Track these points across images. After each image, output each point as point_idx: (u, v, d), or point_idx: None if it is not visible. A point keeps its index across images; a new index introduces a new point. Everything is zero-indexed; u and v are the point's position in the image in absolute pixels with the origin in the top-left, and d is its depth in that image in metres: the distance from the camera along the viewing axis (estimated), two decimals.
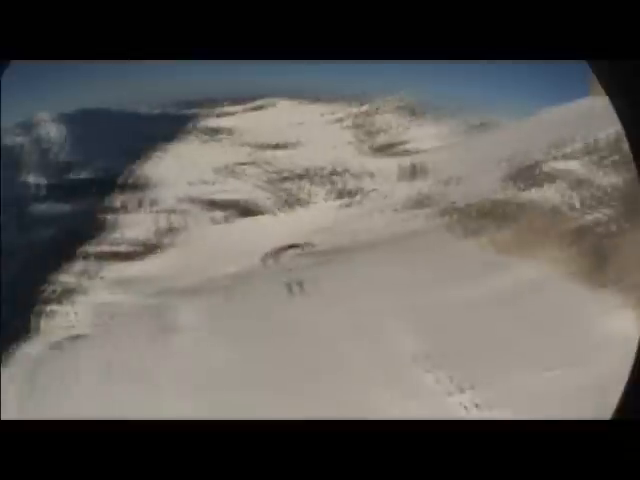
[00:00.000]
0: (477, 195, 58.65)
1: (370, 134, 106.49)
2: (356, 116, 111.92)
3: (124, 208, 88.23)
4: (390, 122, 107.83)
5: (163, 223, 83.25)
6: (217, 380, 34.71)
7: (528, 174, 57.61)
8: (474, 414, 29.22)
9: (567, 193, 50.65)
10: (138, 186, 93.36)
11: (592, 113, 53.83)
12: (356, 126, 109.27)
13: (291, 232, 68.92)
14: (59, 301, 64.51)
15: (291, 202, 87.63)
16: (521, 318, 36.30)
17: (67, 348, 47.96)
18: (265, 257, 61.61)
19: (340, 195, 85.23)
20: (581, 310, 36.42)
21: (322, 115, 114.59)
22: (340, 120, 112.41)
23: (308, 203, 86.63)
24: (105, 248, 77.39)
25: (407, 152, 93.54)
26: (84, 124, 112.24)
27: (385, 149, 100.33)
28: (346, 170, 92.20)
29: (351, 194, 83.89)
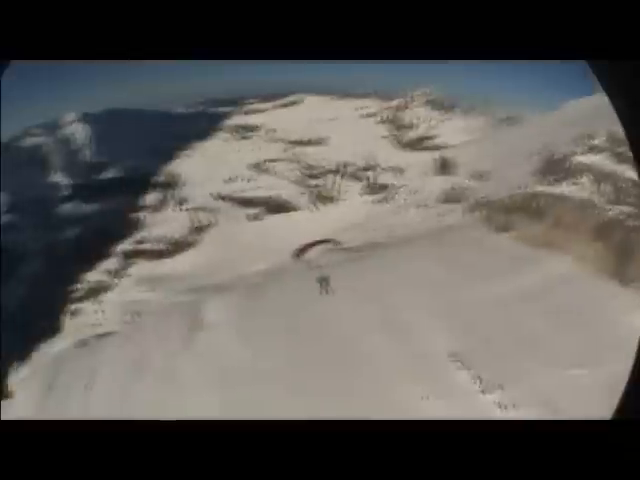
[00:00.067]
0: (507, 189, 57.82)
1: (401, 128, 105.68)
2: (387, 110, 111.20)
3: (154, 206, 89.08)
4: (420, 116, 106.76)
5: (193, 221, 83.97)
6: (245, 378, 34.86)
7: (558, 168, 56.50)
8: (501, 414, 28.93)
9: (594, 186, 49.76)
10: (168, 184, 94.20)
11: None
12: (388, 121, 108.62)
13: (323, 228, 67.96)
14: (86, 299, 65.79)
15: (323, 198, 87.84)
16: (550, 314, 35.73)
17: (93, 346, 48.52)
18: (296, 253, 61.57)
19: (372, 190, 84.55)
20: (608, 306, 35.70)
21: (355, 110, 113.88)
22: (373, 115, 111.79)
23: (339, 199, 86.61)
24: (134, 246, 78.55)
25: (437, 147, 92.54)
26: (111, 124, 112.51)
27: (415, 144, 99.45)
28: (377, 165, 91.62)
29: (383, 189, 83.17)
